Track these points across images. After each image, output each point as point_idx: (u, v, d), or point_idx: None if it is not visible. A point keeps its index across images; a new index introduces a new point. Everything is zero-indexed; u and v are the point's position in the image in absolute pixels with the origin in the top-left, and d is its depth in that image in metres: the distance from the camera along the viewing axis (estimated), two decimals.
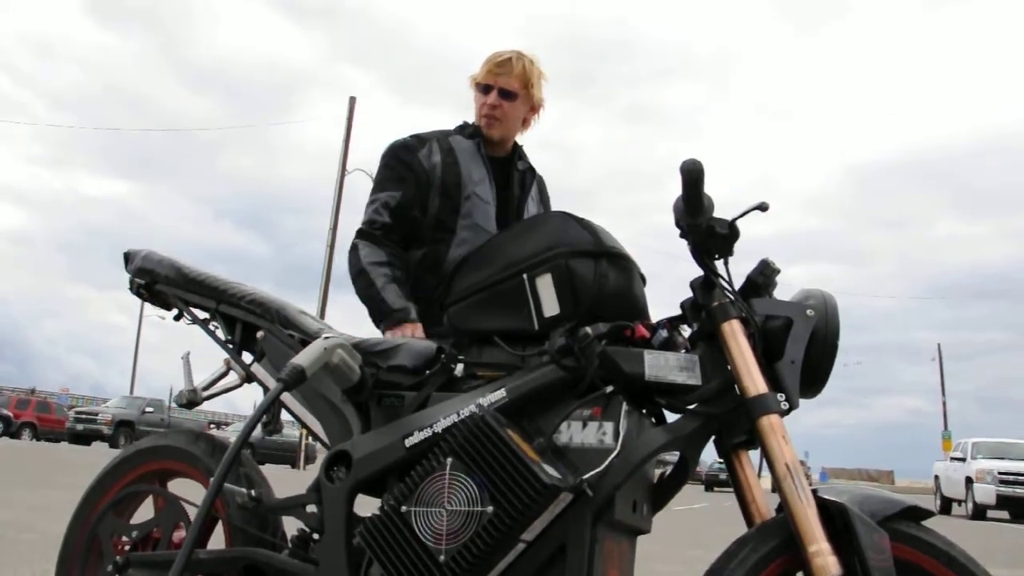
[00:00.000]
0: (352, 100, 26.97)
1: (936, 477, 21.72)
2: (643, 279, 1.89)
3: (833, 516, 1.48)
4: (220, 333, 2.21)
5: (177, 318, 2.29)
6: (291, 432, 29.50)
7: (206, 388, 2.15)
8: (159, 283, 2.28)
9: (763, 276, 1.74)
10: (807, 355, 1.65)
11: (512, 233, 1.92)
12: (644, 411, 1.75)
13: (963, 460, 19.14)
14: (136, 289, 2.36)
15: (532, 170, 2.47)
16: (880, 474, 77.67)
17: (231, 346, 2.18)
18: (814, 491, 1.53)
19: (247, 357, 2.16)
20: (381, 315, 2.15)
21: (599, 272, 1.75)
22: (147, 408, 29.63)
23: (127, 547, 2.11)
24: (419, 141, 2.31)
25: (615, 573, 1.70)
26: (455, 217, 2.22)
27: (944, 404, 45.82)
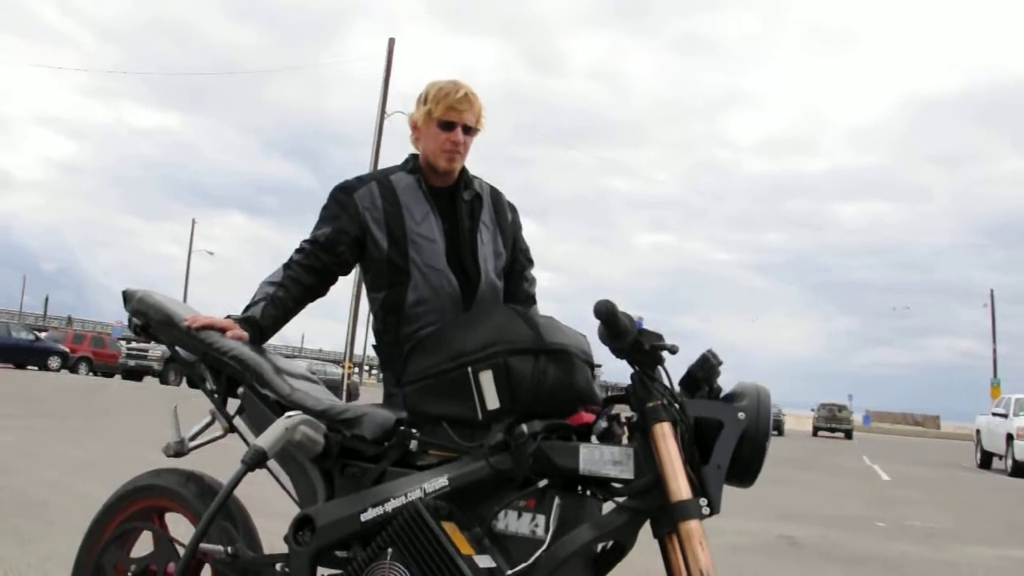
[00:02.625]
0: (391, 42, 26.83)
1: (977, 431, 21.60)
2: (590, 365, 1.98)
3: None
4: (207, 381, 2.36)
5: (169, 359, 2.46)
6: (335, 370, 30.26)
7: (193, 438, 2.32)
8: (152, 326, 2.44)
9: (703, 371, 1.82)
10: (739, 452, 1.75)
11: (464, 321, 2.03)
12: (588, 492, 1.86)
13: (1005, 416, 18.93)
14: (133, 327, 2.53)
15: (479, 195, 2.45)
16: (925, 419, 77.09)
17: (216, 396, 2.33)
18: None
19: (232, 404, 2.32)
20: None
21: (537, 369, 1.85)
22: None
23: (128, 575, 2.32)
24: (359, 182, 2.37)
25: None
26: (406, 260, 2.28)
27: (994, 351, 45.18)
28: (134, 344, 29.82)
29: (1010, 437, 18.09)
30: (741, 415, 1.75)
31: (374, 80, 28.38)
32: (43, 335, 32.89)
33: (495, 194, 2.52)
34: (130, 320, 2.53)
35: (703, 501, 1.69)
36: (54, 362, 28.58)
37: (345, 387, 27.15)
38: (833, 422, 41.90)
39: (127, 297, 2.53)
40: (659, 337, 1.77)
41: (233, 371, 2.26)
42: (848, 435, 41.06)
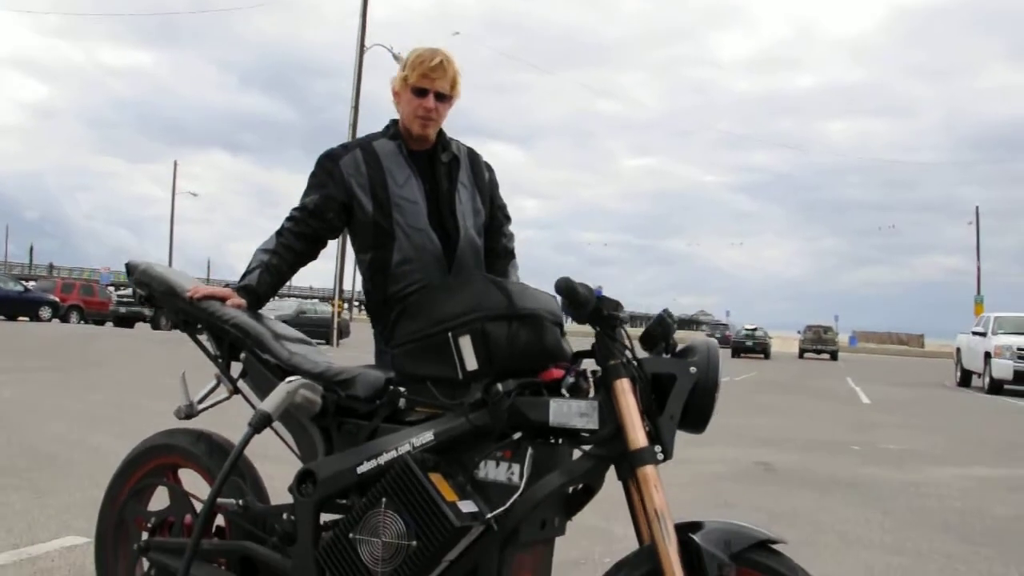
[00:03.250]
0: None
1: (958, 349, 22.12)
2: (559, 325, 2.18)
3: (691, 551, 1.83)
4: (210, 346, 2.56)
5: (173, 326, 2.65)
6: (325, 308, 30.52)
7: (200, 401, 2.53)
8: (156, 298, 2.63)
9: (660, 328, 2.03)
10: (691, 402, 1.97)
11: (445, 289, 2.22)
12: (559, 440, 2.08)
13: (984, 335, 19.39)
14: (138, 298, 2.73)
15: (456, 157, 2.59)
16: (910, 338, 78.31)
17: (220, 361, 2.53)
18: (678, 527, 1.87)
19: (235, 368, 2.53)
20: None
21: (511, 333, 2.06)
22: None
23: (148, 527, 2.55)
24: (343, 150, 2.52)
25: (528, 574, 2.09)
26: (390, 222, 2.43)
27: (979, 268, 45.81)
28: (124, 292, 29.96)
29: (988, 355, 18.58)
30: (692, 369, 1.97)
31: (353, 10, 28.07)
32: (31, 285, 32.95)
33: (472, 155, 2.67)
34: (134, 291, 2.72)
35: (658, 448, 1.92)
36: (45, 312, 28.75)
37: (336, 325, 27.46)
38: (819, 344, 42.61)
39: (130, 270, 2.71)
40: (617, 304, 1.98)
41: (235, 338, 2.46)
42: (834, 356, 41.80)
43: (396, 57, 28.07)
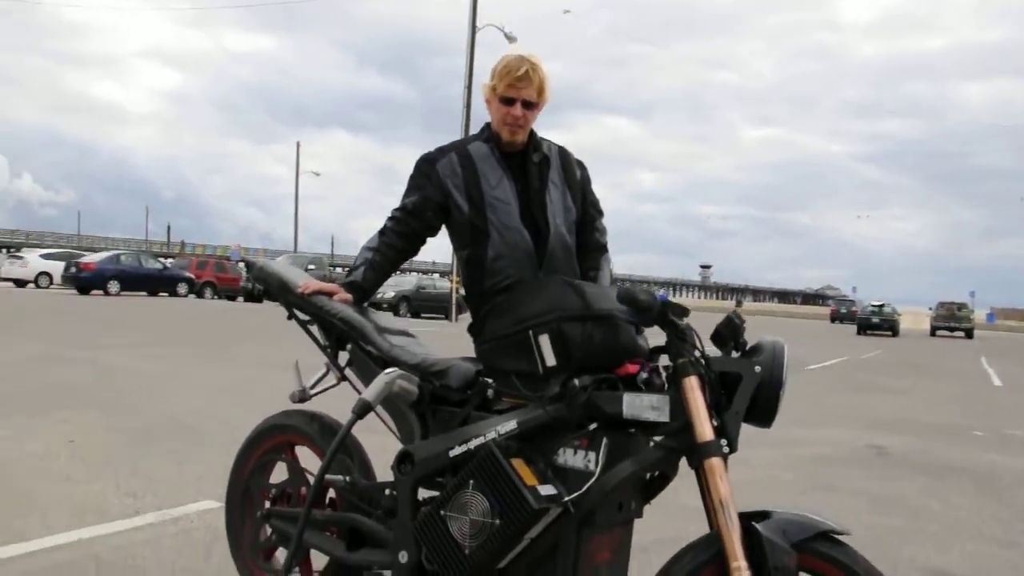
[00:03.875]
0: None
1: None
2: (635, 326, 2.31)
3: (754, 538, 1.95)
4: (319, 337, 2.81)
5: (289, 317, 2.91)
6: (444, 284, 31.26)
7: (312, 387, 2.79)
8: (272, 292, 2.90)
9: (728, 329, 2.14)
10: (757, 399, 2.07)
11: (528, 291, 2.38)
12: (634, 431, 2.22)
13: None
14: (257, 292, 3.02)
15: (547, 157, 2.70)
16: None
17: (328, 350, 2.79)
18: (744, 515, 1.99)
19: (342, 357, 2.77)
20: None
21: (586, 333, 2.21)
22: (309, 265, 32.14)
23: (269, 497, 2.85)
24: (440, 153, 2.68)
25: (606, 554, 2.25)
26: (484, 221, 2.58)
27: None
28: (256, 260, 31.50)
29: None
30: (757, 368, 2.07)
31: None
32: (168, 262, 35.07)
33: (563, 153, 2.79)
34: (253, 286, 3.01)
35: (723, 441, 2.03)
36: (182, 288, 30.58)
37: (454, 301, 28.12)
38: (952, 321, 40.74)
39: (249, 266, 3.06)
40: (682, 309, 2.10)
41: (341, 331, 2.70)
42: (968, 334, 39.89)
43: (508, 36, 28.30)
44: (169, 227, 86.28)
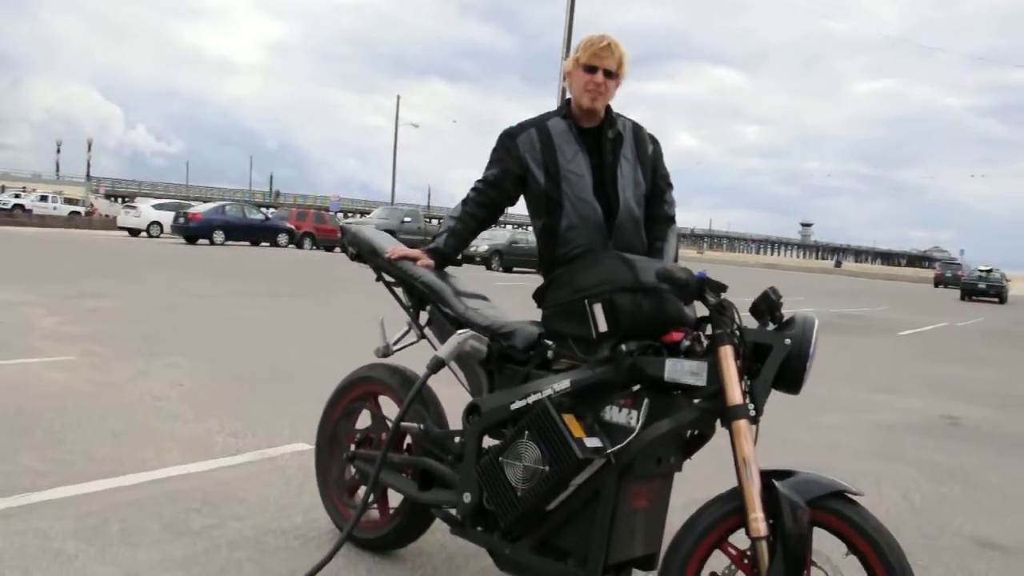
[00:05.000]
0: None
1: None
2: (681, 297, 2.53)
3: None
4: (403, 298, 3.13)
5: (377, 279, 3.23)
6: (533, 239, 31.50)
7: (396, 343, 3.11)
8: (362, 255, 3.22)
9: (765, 304, 2.34)
10: (785, 368, 2.28)
11: (583, 264, 2.62)
12: (678, 391, 2.46)
13: None
14: (349, 255, 3.32)
15: (621, 134, 2.88)
16: None
17: (411, 310, 3.10)
18: (766, 473, 2.21)
19: (423, 316, 3.08)
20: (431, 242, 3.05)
21: (635, 303, 2.44)
22: (405, 218, 32.97)
23: (355, 441, 3.21)
24: (520, 128, 2.91)
25: (643, 502, 2.51)
26: (559, 192, 2.80)
27: None
28: (350, 221, 32.39)
29: None
30: (787, 341, 2.27)
31: None
32: (270, 212, 36.33)
33: (636, 129, 2.97)
34: (345, 249, 3.33)
35: (751, 406, 2.26)
36: (282, 239, 31.80)
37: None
38: None
39: (343, 231, 3.34)
40: (719, 285, 2.32)
41: (422, 293, 3.01)
42: None
43: None
44: (272, 177, 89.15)
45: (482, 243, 27.63)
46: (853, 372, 9.25)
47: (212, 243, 29.30)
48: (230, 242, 29.95)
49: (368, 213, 48.45)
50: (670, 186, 3.02)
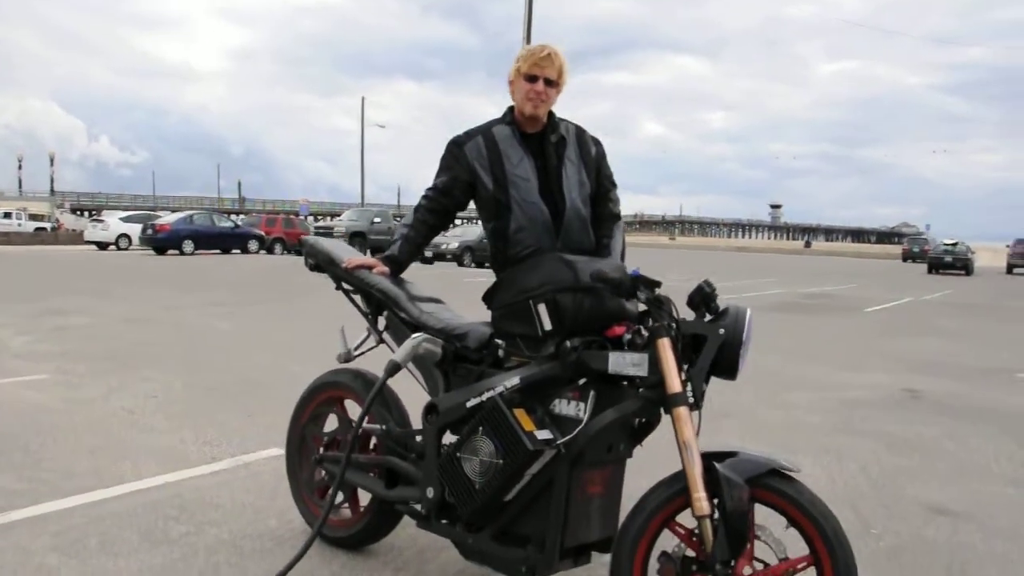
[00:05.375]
0: None
1: None
2: (617, 295, 2.65)
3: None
4: (362, 304, 3.24)
5: (336, 288, 3.34)
6: None
7: (356, 348, 3.23)
8: (320, 265, 3.33)
9: (700, 296, 2.48)
10: (720, 357, 2.43)
11: (527, 267, 2.75)
12: (624, 383, 2.59)
13: None
14: (308, 265, 3.43)
15: (564, 137, 3.01)
16: None
17: (369, 316, 3.22)
18: (707, 455, 2.35)
19: (381, 322, 3.20)
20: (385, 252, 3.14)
21: (576, 302, 2.57)
22: (375, 219, 32.96)
23: (323, 444, 3.33)
24: (467, 137, 3.02)
25: (598, 488, 2.64)
26: (507, 196, 2.92)
27: None
28: (321, 223, 32.36)
29: None
30: (721, 330, 2.41)
31: None
32: (239, 220, 36.18)
33: (579, 132, 3.11)
34: (305, 259, 3.43)
35: (690, 393, 2.39)
36: (253, 245, 31.73)
37: None
38: None
39: (302, 243, 3.45)
40: (652, 282, 2.46)
41: (379, 300, 3.12)
42: None
43: None
44: (240, 184, 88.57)
45: (453, 240, 27.75)
46: (820, 351, 9.48)
47: (182, 253, 29.15)
48: (200, 251, 29.80)
49: (338, 215, 48.40)
50: (614, 185, 3.15)
